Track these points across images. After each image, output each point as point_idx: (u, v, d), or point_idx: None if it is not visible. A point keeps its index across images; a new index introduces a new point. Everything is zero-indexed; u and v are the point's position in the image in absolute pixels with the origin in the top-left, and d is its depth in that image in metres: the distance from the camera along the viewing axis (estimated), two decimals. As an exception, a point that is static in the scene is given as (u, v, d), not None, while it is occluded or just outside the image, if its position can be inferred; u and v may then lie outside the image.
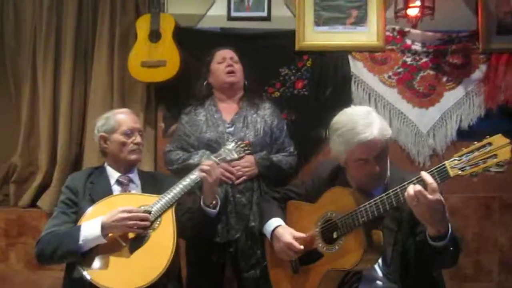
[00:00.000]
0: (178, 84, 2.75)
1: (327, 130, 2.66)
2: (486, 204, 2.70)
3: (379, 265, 1.68)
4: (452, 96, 2.68)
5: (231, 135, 2.29)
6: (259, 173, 2.28)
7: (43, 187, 2.87)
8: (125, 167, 2.02)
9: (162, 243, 1.76)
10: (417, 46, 2.70)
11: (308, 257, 1.76)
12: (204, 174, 1.86)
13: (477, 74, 2.68)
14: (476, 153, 1.36)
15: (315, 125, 2.69)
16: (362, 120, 1.59)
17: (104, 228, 1.73)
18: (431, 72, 2.69)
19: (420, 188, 1.40)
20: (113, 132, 1.99)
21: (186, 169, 2.20)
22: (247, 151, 2.07)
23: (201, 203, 1.90)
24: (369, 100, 2.70)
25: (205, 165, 1.88)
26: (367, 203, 1.58)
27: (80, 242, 1.72)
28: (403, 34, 2.71)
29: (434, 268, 1.65)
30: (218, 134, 2.30)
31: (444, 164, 1.41)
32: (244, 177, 2.25)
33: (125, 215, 1.74)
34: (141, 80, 2.70)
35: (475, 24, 2.69)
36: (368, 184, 1.67)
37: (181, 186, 1.88)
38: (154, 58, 2.65)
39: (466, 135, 2.68)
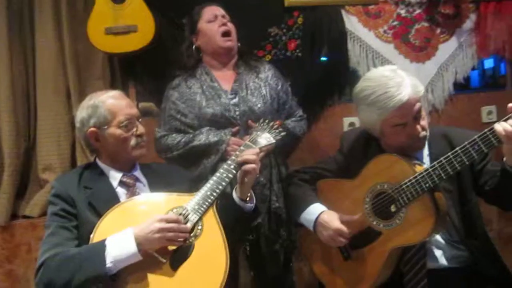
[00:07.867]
0: (148, 54, 2.28)
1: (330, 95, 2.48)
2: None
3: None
4: (447, 48, 2.58)
5: (237, 106, 1.95)
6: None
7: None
8: (128, 165, 1.61)
9: (212, 253, 1.40)
10: (410, -4, 2.53)
11: (358, 239, 1.60)
12: (253, 166, 1.51)
13: (468, 24, 2.60)
14: None
15: (313, 89, 2.45)
16: (391, 81, 1.47)
17: (138, 243, 1.33)
18: (426, 24, 2.56)
19: None
20: (106, 124, 1.53)
21: (190, 154, 1.93)
22: (282, 133, 1.74)
23: (235, 198, 1.57)
24: (367, 58, 2.51)
25: (250, 155, 1.53)
26: (429, 166, 1.45)
27: (109, 264, 1.30)
28: (394, -18, 2.52)
29: None
30: (223, 107, 1.94)
31: None
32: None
33: (164, 225, 1.35)
34: (108, 51, 2.19)
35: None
36: (411, 148, 1.55)
37: (216, 179, 1.52)
38: (121, 23, 2.15)
39: (462, 88, 2.64)
